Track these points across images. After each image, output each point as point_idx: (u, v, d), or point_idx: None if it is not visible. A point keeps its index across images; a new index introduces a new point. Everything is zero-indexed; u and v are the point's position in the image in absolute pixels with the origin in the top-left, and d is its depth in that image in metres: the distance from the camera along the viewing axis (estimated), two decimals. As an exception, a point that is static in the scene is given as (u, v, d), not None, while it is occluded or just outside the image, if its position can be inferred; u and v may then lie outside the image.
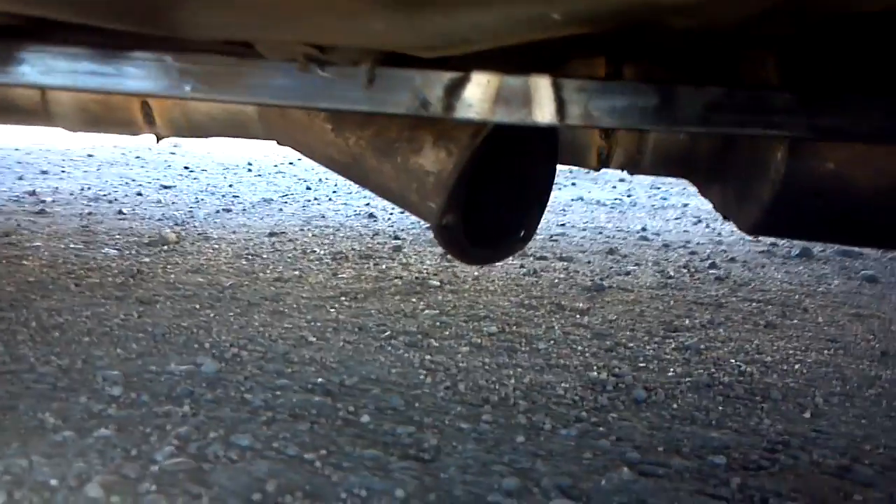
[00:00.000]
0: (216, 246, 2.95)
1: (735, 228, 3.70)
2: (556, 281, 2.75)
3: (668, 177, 1.79)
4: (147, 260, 2.70)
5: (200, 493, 1.22)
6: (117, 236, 3.02)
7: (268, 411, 1.55)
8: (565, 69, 1.46)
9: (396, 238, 3.27)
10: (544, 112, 1.11)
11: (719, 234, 3.78)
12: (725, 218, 1.72)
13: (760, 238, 3.67)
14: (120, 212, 3.49)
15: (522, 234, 1.71)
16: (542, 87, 1.10)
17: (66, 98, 1.74)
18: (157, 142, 1.84)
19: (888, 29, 1.19)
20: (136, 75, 1.12)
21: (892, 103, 1.11)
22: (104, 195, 3.85)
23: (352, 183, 1.69)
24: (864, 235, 1.59)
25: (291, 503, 1.21)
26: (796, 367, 2.02)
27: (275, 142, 1.79)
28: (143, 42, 1.14)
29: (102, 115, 1.76)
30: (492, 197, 1.65)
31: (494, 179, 1.64)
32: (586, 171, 5.64)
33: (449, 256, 2.91)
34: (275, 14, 0.90)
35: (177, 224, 3.31)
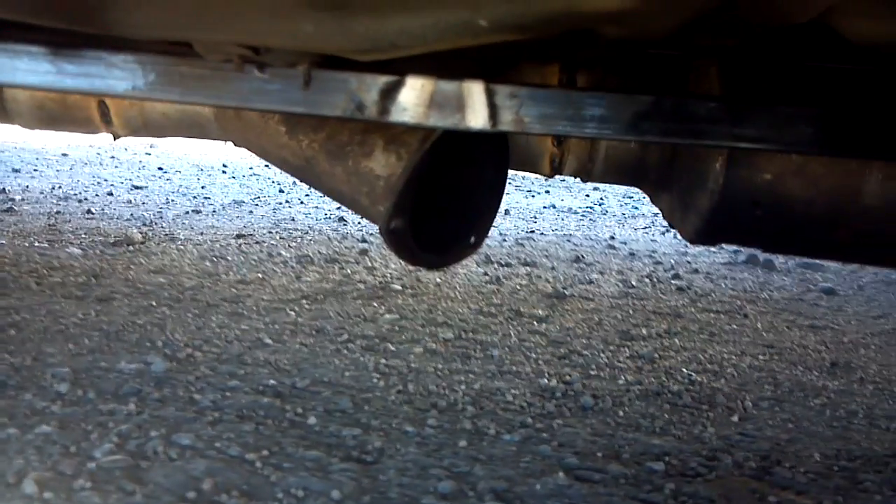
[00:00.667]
0: (182, 247, 2.96)
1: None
2: (518, 288, 2.77)
3: (619, 185, 1.81)
4: (110, 259, 2.70)
5: (135, 490, 1.22)
6: (83, 236, 3.02)
7: (214, 412, 1.56)
8: (514, 76, 1.48)
9: (364, 242, 3.29)
10: (477, 117, 1.13)
11: (686, 244, 3.81)
12: (671, 226, 1.75)
13: (724, 248, 3.71)
14: (89, 211, 3.48)
15: (473, 240, 1.73)
16: (475, 92, 1.12)
17: (23, 96, 1.75)
18: (115, 140, 1.84)
19: (817, 40, 1.22)
20: (72, 72, 1.13)
21: (815, 114, 1.14)
22: (74, 194, 3.85)
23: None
24: (800, 245, 1.62)
25: (227, 502, 1.22)
26: (754, 375, 2.04)
27: (231, 143, 1.80)
28: (96, 41, 1.15)
29: (59, 114, 1.77)
30: (443, 202, 1.66)
31: (445, 185, 1.65)
32: (561, 178, 5.68)
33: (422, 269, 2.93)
34: (204, 14, 0.91)
35: (145, 224, 3.31)
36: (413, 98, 1.13)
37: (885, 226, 1.52)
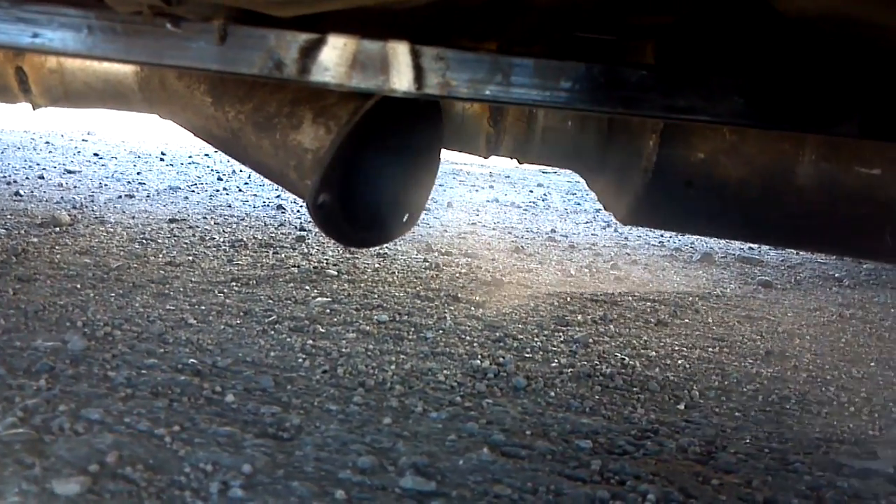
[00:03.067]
0: (111, 230, 2.86)
1: (642, 232, 3.74)
2: (457, 275, 2.74)
3: (556, 167, 1.78)
4: (35, 240, 2.60)
5: (34, 463, 1.16)
6: (8, 216, 2.91)
7: (128, 388, 1.49)
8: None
9: (302, 229, 3.23)
10: (402, 80, 1.10)
11: (626, 238, 3.82)
12: (606, 208, 1.73)
13: (664, 243, 3.73)
14: (17, 193, 3.37)
15: (407, 217, 1.70)
16: (400, 53, 1.09)
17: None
18: (34, 110, 1.77)
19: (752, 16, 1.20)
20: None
21: (745, 84, 1.12)
22: (3, 177, 3.72)
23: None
24: (735, 227, 1.61)
25: (130, 475, 1.16)
26: (679, 362, 2.04)
27: (157, 115, 1.74)
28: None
29: (-27, 82, 1.69)
30: (375, 179, 1.62)
31: (378, 161, 1.61)
32: (506, 175, 5.67)
33: (352, 248, 2.88)
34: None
35: (74, 207, 3.21)
36: (335, 57, 1.10)
37: (818, 207, 1.51)
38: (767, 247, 3.66)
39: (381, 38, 1.09)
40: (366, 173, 1.57)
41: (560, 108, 1.32)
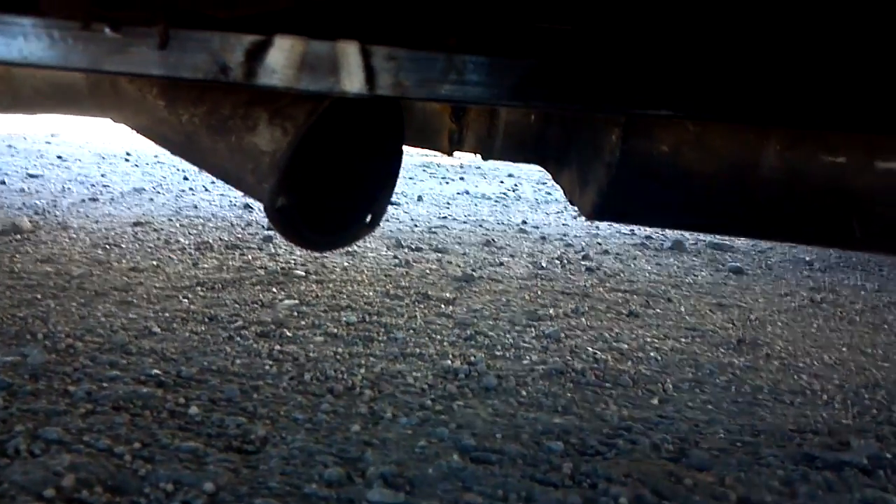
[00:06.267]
0: (74, 236, 2.81)
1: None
2: (427, 272, 2.71)
3: (521, 163, 1.76)
4: (-6, 249, 2.55)
5: (-14, 490, 1.12)
6: (-34, 225, 2.85)
7: (88, 403, 1.45)
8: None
9: (270, 229, 3.18)
10: (353, 81, 1.06)
11: (597, 228, 3.81)
12: (571, 203, 1.70)
13: (635, 231, 3.72)
14: (-24, 200, 3.30)
15: (369, 219, 1.66)
16: (350, 53, 1.05)
17: None
18: (-18, 118, 1.72)
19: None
20: None
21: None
22: (-38, 183, 3.65)
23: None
24: (701, 220, 1.58)
25: (88, 498, 1.13)
26: (652, 354, 2.02)
27: (110, 120, 1.70)
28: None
29: (-83, 88, 1.64)
30: (335, 181, 1.58)
31: (338, 162, 1.58)
32: (476, 166, 5.64)
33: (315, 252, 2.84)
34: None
35: (36, 213, 3.15)
36: (282, 59, 1.06)
37: (784, 197, 1.50)
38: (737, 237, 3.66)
39: (328, 37, 1.06)
40: (325, 175, 1.54)
41: (517, 107, 1.29)
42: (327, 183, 1.54)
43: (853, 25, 1.02)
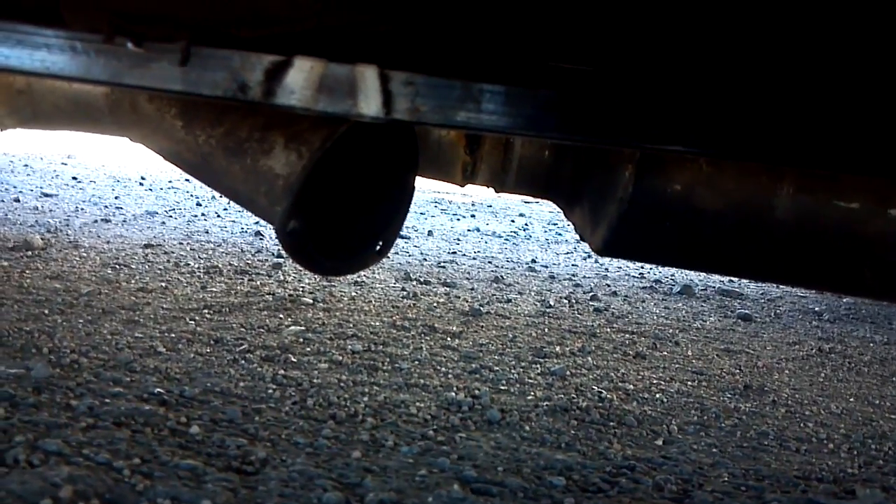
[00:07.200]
0: (84, 254, 2.82)
1: (622, 264, 3.72)
2: (435, 305, 2.71)
3: (533, 196, 1.76)
4: (5, 264, 2.55)
5: (-18, 498, 1.11)
6: (-21, 240, 2.86)
7: (90, 418, 1.45)
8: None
9: (280, 256, 3.19)
10: (370, 104, 1.07)
11: (607, 269, 3.80)
12: (582, 238, 1.70)
13: (644, 275, 3.71)
14: (-10, 216, 3.33)
15: (380, 246, 1.66)
16: (368, 77, 1.06)
17: None
18: (2, 131, 1.74)
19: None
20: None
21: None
22: (-23, 200, 3.68)
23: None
24: (710, 261, 1.58)
25: (85, 511, 1.12)
26: (657, 395, 2.01)
27: (127, 139, 1.71)
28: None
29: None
30: (348, 207, 1.59)
31: (351, 189, 1.59)
32: (488, 204, 5.66)
33: (324, 277, 2.84)
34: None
35: (49, 231, 3.16)
36: (301, 80, 1.07)
37: (796, 240, 1.49)
38: (746, 280, 3.65)
39: (348, 60, 1.07)
40: (338, 200, 1.55)
41: (532, 137, 1.30)
42: (340, 208, 1.54)
43: (870, 68, 1.03)
